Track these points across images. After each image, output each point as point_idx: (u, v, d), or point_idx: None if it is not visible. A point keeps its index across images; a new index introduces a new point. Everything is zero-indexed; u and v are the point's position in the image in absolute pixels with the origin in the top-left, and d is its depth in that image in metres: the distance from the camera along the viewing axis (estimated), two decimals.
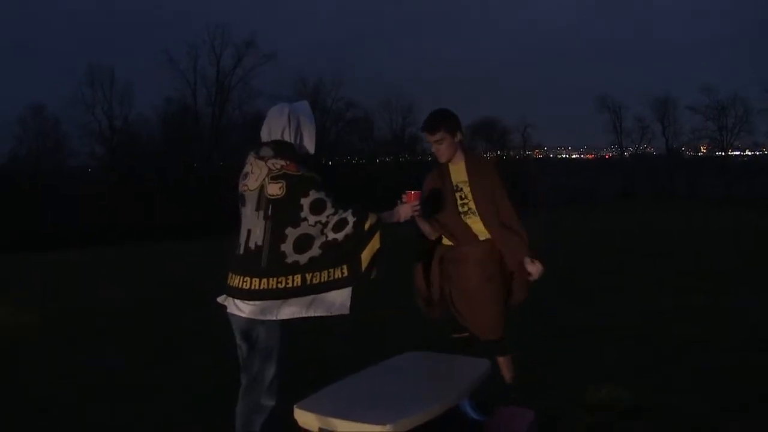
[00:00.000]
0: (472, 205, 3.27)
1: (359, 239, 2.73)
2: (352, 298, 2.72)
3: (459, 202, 3.29)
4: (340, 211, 2.75)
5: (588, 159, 63.80)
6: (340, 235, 2.73)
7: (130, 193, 35.07)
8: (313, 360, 4.71)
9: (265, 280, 2.65)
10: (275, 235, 2.66)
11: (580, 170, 55.24)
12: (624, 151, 53.47)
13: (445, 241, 3.37)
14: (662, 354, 4.78)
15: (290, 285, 2.66)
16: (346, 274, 2.74)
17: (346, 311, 2.72)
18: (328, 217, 2.73)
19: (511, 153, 50.45)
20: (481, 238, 3.31)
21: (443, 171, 3.35)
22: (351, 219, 2.75)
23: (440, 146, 3.26)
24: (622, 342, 5.14)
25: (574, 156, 66.52)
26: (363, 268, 2.75)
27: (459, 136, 3.27)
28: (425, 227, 3.30)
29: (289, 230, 2.67)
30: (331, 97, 46.15)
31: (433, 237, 3.35)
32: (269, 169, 2.69)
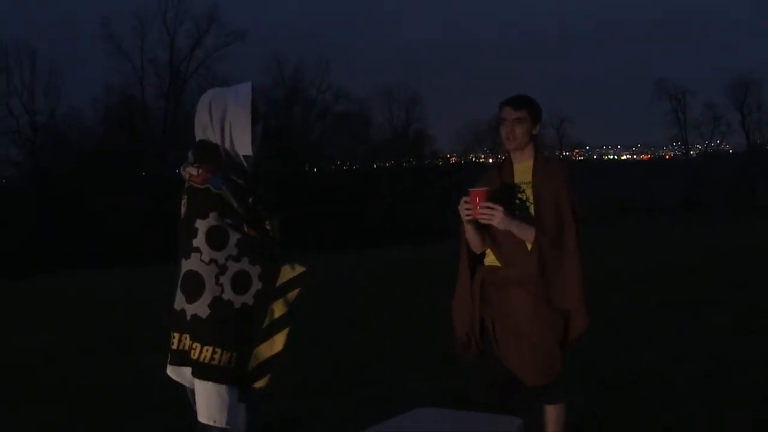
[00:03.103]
0: (531, 210, 3.38)
1: (258, 322, 2.53)
2: (230, 411, 2.54)
3: (518, 206, 3.42)
4: (245, 260, 2.53)
5: (642, 160, 63.94)
6: (239, 301, 2.51)
7: (57, 208, 34.89)
8: (300, 421, 4.81)
9: (173, 334, 2.65)
10: (179, 270, 2.62)
11: (632, 174, 55.00)
12: (689, 150, 53.37)
13: (489, 260, 3.45)
14: (730, 412, 4.75)
15: (173, 346, 2.62)
16: (233, 366, 2.51)
17: (210, 422, 2.54)
18: (227, 260, 2.51)
19: (545, 154, 50.45)
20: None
21: (505, 168, 3.52)
22: (257, 282, 2.53)
23: (517, 128, 3.43)
24: (681, 397, 5.15)
25: (624, 157, 66.76)
26: (249, 369, 2.54)
27: (538, 129, 3.51)
28: (474, 237, 3.40)
29: (182, 263, 2.59)
30: (316, 86, 46.41)
31: (479, 250, 3.45)
32: (185, 181, 2.67)
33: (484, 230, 3.37)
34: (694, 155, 53.65)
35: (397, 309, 9.65)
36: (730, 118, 50.85)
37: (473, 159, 50.72)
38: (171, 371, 2.65)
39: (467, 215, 3.25)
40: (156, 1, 50.83)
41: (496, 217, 3.20)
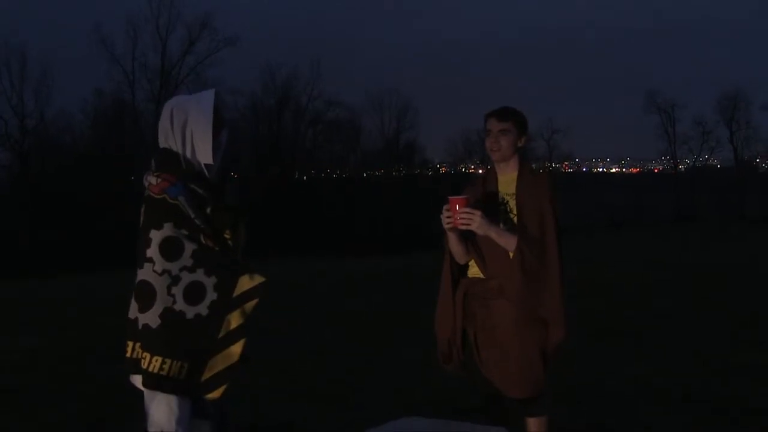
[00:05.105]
0: (514, 221, 3.37)
1: (213, 332, 2.50)
2: (178, 419, 2.51)
3: (501, 217, 3.40)
4: (200, 270, 2.50)
5: (632, 173, 64.32)
6: (191, 311, 2.49)
7: (46, 212, 34.66)
8: (282, 429, 4.76)
9: (127, 342, 2.64)
10: (135, 279, 2.61)
11: (622, 187, 55.26)
12: (678, 164, 53.61)
13: (472, 272, 3.44)
14: (720, 424, 4.81)
15: (127, 354, 2.60)
16: (183, 377, 2.49)
17: None
18: (181, 270, 2.49)
19: (534, 166, 50.54)
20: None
21: (489, 179, 3.52)
22: (211, 293, 2.50)
23: (502, 138, 3.42)
24: (673, 409, 5.17)
25: (613, 170, 67.17)
26: (203, 379, 2.51)
27: (523, 141, 3.49)
28: (457, 247, 3.37)
29: (138, 272, 2.57)
30: (307, 93, 46.28)
31: (463, 261, 3.43)
32: (145, 189, 2.64)
33: (468, 240, 3.36)
34: (683, 170, 53.88)
35: (390, 317, 9.64)
36: (719, 134, 51.23)
37: (463, 170, 50.77)
38: (133, 378, 2.65)
39: (448, 223, 3.24)
40: (149, 6, 50.73)
41: (475, 221, 3.18)
